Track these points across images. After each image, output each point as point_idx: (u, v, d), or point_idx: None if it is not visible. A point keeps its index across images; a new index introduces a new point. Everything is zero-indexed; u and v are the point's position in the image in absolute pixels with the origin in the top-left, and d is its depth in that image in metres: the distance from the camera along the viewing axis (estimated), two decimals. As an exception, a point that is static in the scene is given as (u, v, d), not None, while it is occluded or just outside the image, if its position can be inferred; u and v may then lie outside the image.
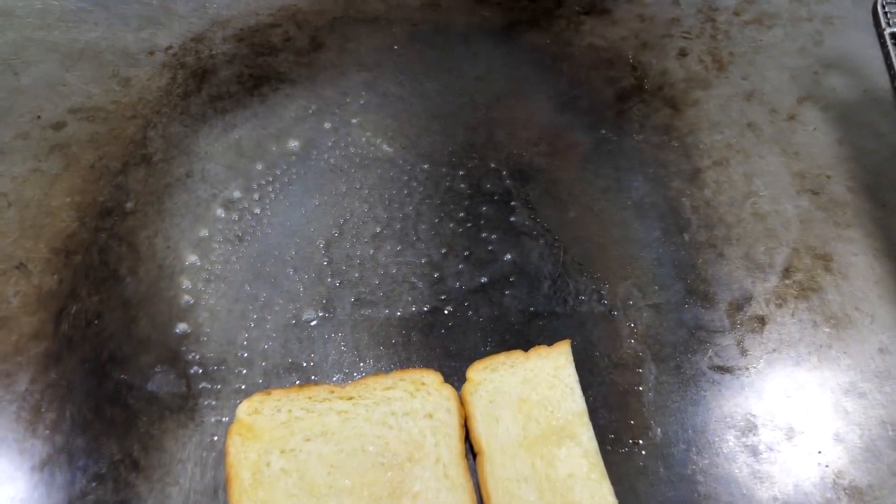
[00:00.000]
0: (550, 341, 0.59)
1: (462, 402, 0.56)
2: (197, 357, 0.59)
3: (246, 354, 0.59)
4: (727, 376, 0.59)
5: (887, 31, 0.75)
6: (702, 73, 0.74)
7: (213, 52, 0.75)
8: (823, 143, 0.71)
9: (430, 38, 0.76)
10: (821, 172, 0.69)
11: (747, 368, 0.59)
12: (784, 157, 0.70)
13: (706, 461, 0.56)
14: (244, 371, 0.58)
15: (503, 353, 0.58)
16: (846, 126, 0.72)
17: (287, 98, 0.72)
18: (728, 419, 0.57)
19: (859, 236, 0.65)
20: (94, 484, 0.54)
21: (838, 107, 0.73)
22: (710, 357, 0.60)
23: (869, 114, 0.72)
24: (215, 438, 0.56)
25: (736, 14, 0.79)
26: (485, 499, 0.53)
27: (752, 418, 0.57)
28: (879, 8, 0.77)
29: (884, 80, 0.74)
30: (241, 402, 0.56)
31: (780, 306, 0.62)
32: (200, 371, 0.58)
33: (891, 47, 0.74)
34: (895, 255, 0.64)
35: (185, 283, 0.62)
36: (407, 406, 0.56)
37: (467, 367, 0.58)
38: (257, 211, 0.66)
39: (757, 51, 0.76)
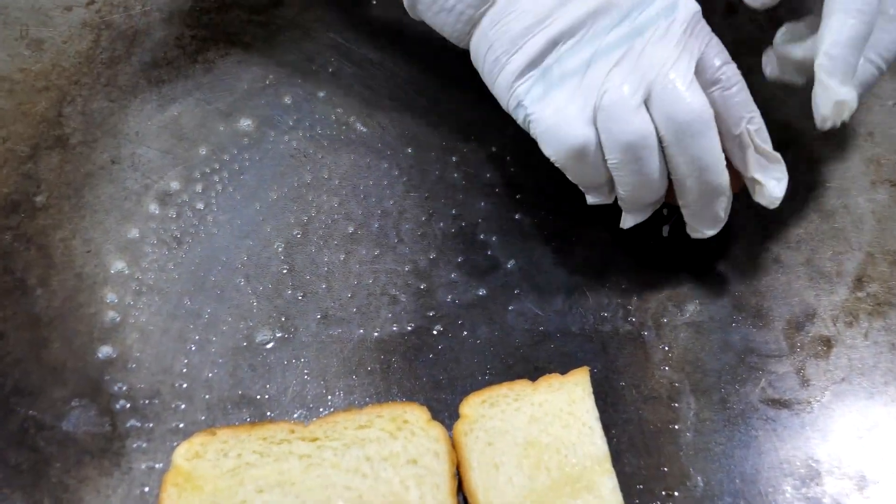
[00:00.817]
0: (564, 369, 0.60)
1: (454, 445, 0.57)
2: (124, 388, 0.59)
3: (185, 385, 0.60)
4: (784, 412, 0.60)
5: None
6: (755, 33, 0.75)
7: (147, 9, 0.75)
8: (905, 122, 0.71)
9: (417, -9, 0.77)
10: (902, 158, 0.70)
11: (809, 402, 0.60)
12: (856, 138, 0.70)
13: (757, 518, 0.56)
14: (182, 406, 0.59)
15: (505, 383, 0.59)
16: (934, 101, 0.72)
17: (238, 66, 0.73)
18: (785, 465, 0.58)
19: (949, 238, 0.66)
20: (-6, 546, 0.54)
21: (924, 77, 0.74)
22: (762, 388, 0.60)
23: (962, 86, 0.73)
24: (146, 490, 0.56)
25: (797, -39, 0.80)
26: (481, 565, 0.54)
27: (814, 464, 0.58)
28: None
29: (981, 43, 0.75)
30: (178, 444, 0.56)
31: (850, 325, 0.63)
32: (128, 406, 0.59)
33: None
34: None
35: (110, 297, 0.62)
36: (385, 449, 0.56)
37: (461, 400, 0.58)
38: (200, 206, 0.66)
39: (822, 7, 0.76)
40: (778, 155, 0.58)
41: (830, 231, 0.66)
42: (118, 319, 0.61)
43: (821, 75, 0.56)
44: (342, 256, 0.65)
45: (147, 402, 0.59)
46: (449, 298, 0.63)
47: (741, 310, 0.63)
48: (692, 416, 0.59)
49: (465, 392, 0.59)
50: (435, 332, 0.62)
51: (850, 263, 0.65)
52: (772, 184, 0.58)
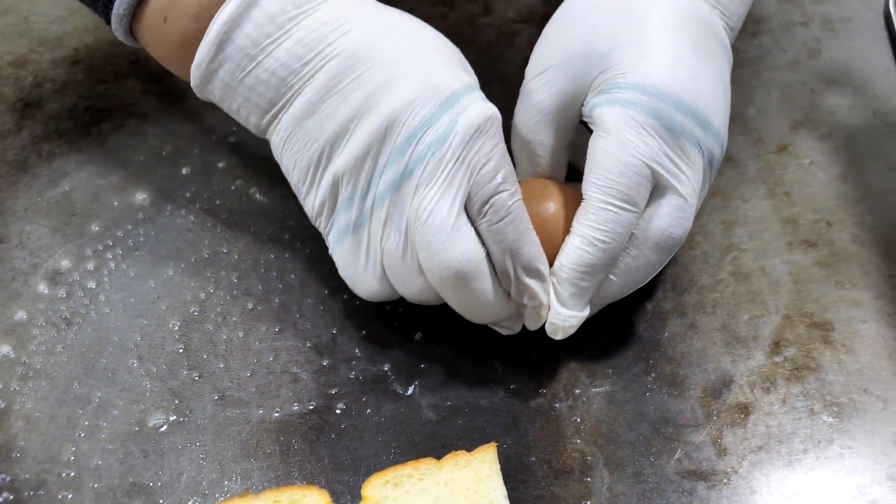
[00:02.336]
0: (473, 445, 0.61)
1: (355, 529, 0.58)
2: (7, 479, 0.60)
3: (73, 474, 0.60)
4: (701, 484, 0.61)
5: (902, 36, 0.80)
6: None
7: (39, 80, 0.77)
8: (822, 181, 0.74)
9: (322, 57, 0.79)
10: (819, 218, 0.72)
11: (726, 473, 0.61)
12: (773, 199, 0.73)
13: None
14: (70, 496, 0.59)
15: (410, 462, 0.60)
16: (851, 158, 0.75)
17: (134, 137, 0.75)
18: (701, 540, 0.59)
19: (868, 298, 0.68)
20: None
21: (841, 134, 0.77)
22: (678, 459, 0.62)
23: (879, 142, 0.76)
24: (28, 587, 0.57)
25: (712, 19, 0.83)
26: None
27: (731, 538, 0.60)
28: (892, 7, 0.82)
29: (898, 98, 0.78)
30: (63, 537, 0.57)
31: (767, 391, 0.65)
32: (11, 498, 0.59)
33: (906, 57, 0.79)
34: (913, 321, 0.68)
35: (-6, 383, 0.63)
36: (282, 536, 0.57)
37: (364, 481, 0.59)
38: (92, 285, 0.67)
39: (738, 65, 0.79)
40: (535, 291, 0.60)
41: (747, 294, 0.69)
42: (2, 406, 0.62)
43: (552, 301, 0.61)
44: (241, 334, 0.66)
45: (32, 493, 0.59)
46: (352, 374, 0.65)
47: (656, 378, 0.65)
48: (605, 490, 0.61)
49: (369, 473, 0.60)
50: (338, 411, 0.63)
51: (767, 327, 0.67)
52: (532, 316, 0.62)
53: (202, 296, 0.67)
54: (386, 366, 0.65)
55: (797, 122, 0.77)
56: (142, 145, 0.74)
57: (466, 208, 0.58)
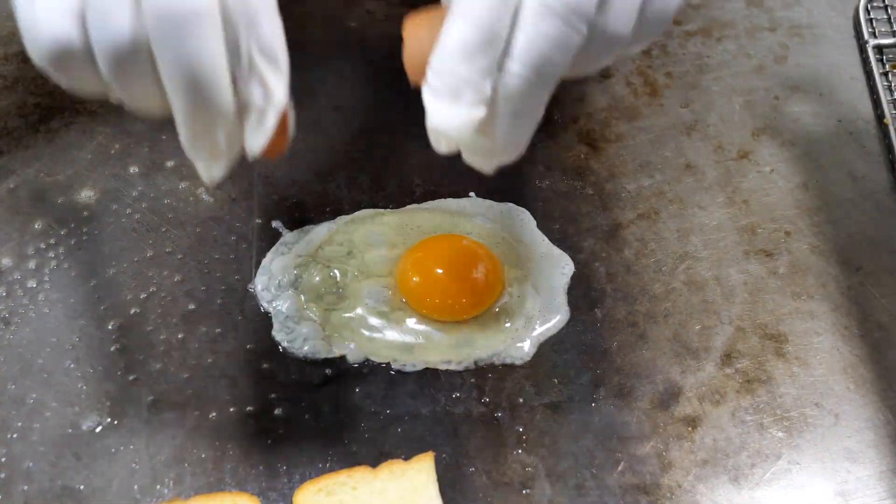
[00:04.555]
0: (412, 454, 0.60)
1: (286, 538, 0.57)
2: (-67, 481, 0.59)
3: (3, 476, 0.60)
4: (643, 498, 0.60)
5: (871, 43, 0.79)
6: (629, 99, 0.77)
7: (-10, 76, 0.77)
8: (783, 189, 0.74)
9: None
10: (777, 227, 0.72)
11: (670, 487, 0.61)
12: (731, 207, 0.73)
13: None
14: (-2, 499, 0.59)
15: (344, 470, 0.59)
16: (813, 167, 0.75)
17: (83, 135, 0.74)
18: (641, 555, 0.59)
19: (824, 311, 0.68)
20: None
21: (804, 142, 0.76)
22: (622, 472, 0.61)
23: (843, 151, 0.76)
24: (-52, 591, 0.56)
25: (677, 23, 0.82)
26: None
27: (672, 553, 0.59)
28: (862, 14, 0.81)
29: (864, 106, 0.77)
30: (-13, 541, 0.56)
31: (717, 403, 0.64)
32: (-64, 500, 0.59)
33: (874, 64, 0.78)
34: (869, 334, 0.67)
35: (-74, 382, 0.63)
36: (209, 544, 0.57)
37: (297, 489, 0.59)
38: (32, 285, 0.67)
39: (702, 70, 0.79)
40: (268, 79, 0.47)
41: (700, 304, 0.68)
42: (-67, 406, 0.62)
43: (425, 97, 0.49)
44: (180, 336, 0.65)
45: (-42, 495, 0.59)
46: (293, 379, 0.64)
47: (602, 389, 0.64)
48: (546, 503, 0.60)
49: (304, 480, 0.59)
50: (275, 416, 0.62)
51: (719, 338, 0.66)
52: (256, 120, 0.48)
53: (143, 296, 0.67)
54: (327, 370, 0.64)
55: (759, 130, 0.76)
56: (90, 143, 0.73)
57: None
